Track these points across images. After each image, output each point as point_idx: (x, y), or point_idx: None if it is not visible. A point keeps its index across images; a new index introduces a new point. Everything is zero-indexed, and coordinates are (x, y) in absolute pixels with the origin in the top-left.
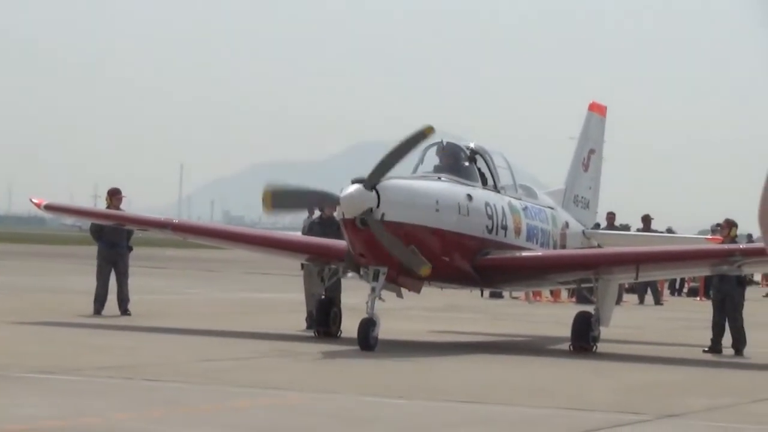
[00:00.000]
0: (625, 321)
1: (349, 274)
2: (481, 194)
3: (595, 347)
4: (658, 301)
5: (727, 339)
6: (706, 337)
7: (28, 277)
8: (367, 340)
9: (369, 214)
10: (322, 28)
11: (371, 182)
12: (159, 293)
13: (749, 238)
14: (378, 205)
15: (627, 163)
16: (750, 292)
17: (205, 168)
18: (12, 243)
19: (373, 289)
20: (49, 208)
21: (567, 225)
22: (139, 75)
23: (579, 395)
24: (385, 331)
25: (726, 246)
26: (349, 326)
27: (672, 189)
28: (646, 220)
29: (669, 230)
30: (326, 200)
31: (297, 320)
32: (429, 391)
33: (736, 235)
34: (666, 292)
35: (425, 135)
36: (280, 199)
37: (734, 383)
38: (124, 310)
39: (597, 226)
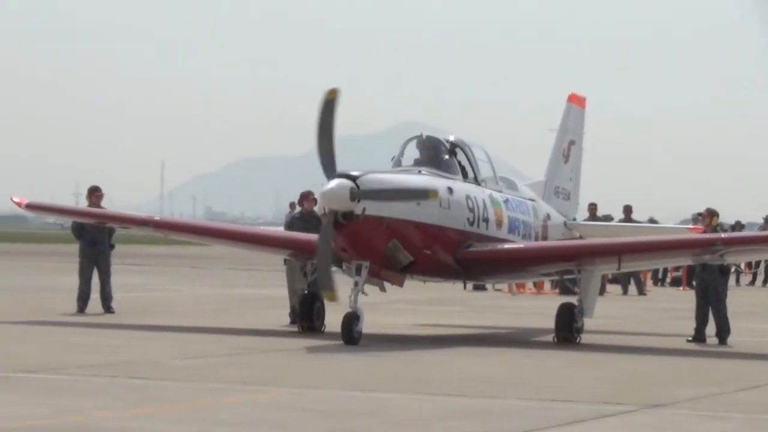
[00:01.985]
0: (609, 311)
1: (332, 269)
2: (461, 187)
3: (579, 338)
4: (641, 291)
5: (710, 328)
6: (690, 326)
7: (10, 276)
8: (351, 334)
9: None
10: (306, 19)
11: (329, 169)
12: (142, 291)
13: (738, 225)
14: (359, 200)
15: (607, 154)
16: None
17: (187, 164)
18: None
19: (356, 284)
20: (30, 206)
21: (548, 217)
22: (119, 71)
23: (563, 386)
24: (368, 325)
25: (707, 235)
26: (333, 321)
27: (652, 179)
28: (627, 210)
29: (651, 220)
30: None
31: (280, 316)
32: (413, 385)
33: (717, 225)
34: (649, 282)
35: (331, 99)
36: (326, 283)
37: (719, 372)
38: (107, 308)
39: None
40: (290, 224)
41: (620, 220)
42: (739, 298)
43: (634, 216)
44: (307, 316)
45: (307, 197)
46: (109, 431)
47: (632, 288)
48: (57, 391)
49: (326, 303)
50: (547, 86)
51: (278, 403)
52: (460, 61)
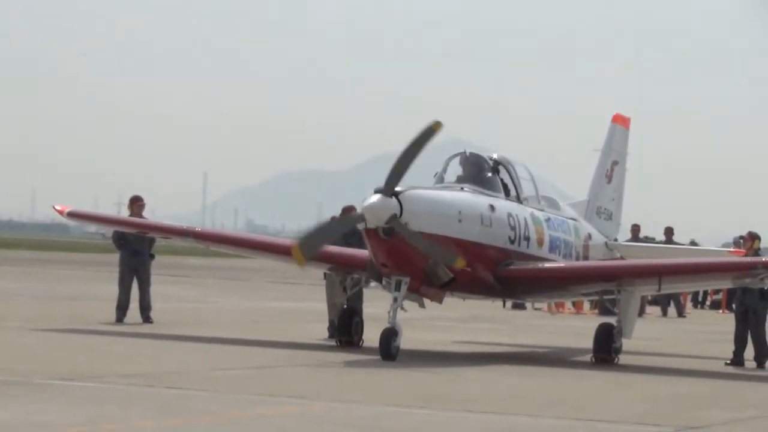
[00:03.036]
0: (648, 333)
1: (372, 284)
2: (503, 205)
3: (617, 359)
4: (680, 313)
5: (749, 352)
6: (729, 349)
7: (50, 285)
8: (389, 349)
9: (394, 219)
10: (348, 36)
11: (389, 187)
12: (181, 301)
13: None
14: (401, 215)
15: (650, 176)
16: None
17: (229, 177)
18: (35, 250)
19: (395, 299)
20: (72, 215)
21: (590, 236)
22: (164, 83)
23: (601, 407)
24: (406, 341)
25: (749, 259)
26: (371, 336)
27: (695, 202)
28: (669, 232)
29: (692, 243)
30: (351, 221)
31: (319, 329)
32: (451, 401)
33: (758, 248)
34: (689, 304)
35: (434, 131)
36: (308, 248)
37: (756, 396)
38: (146, 318)
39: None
40: None
41: (661, 242)
42: None
43: (675, 238)
44: (345, 330)
45: (348, 211)
46: None
47: (672, 310)
48: (95, 400)
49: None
50: (593, 105)
51: (315, 416)
52: (507, 77)
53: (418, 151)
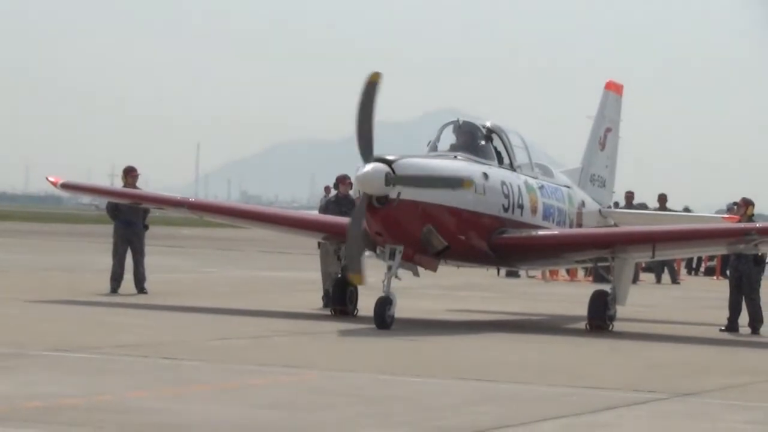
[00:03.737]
0: (642, 300)
1: (366, 253)
2: (497, 173)
3: (611, 326)
4: (674, 280)
5: (743, 318)
6: (723, 316)
7: (44, 256)
8: (384, 318)
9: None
10: (338, 7)
11: (368, 153)
12: (175, 272)
13: None
14: (394, 184)
15: (644, 143)
16: None
17: (223, 147)
18: (29, 222)
19: (389, 268)
20: (65, 186)
21: (583, 204)
22: (156, 54)
23: (595, 373)
24: (401, 309)
25: (742, 225)
26: (366, 305)
27: (689, 169)
28: (662, 199)
29: (686, 209)
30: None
31: (313, 299)
32: (445, 370)
33: (752, 214)
34: (683, 271)
35: (374, 82)
36: (355, 265)
37: (751, 362)
38: (140, 289)
39: (616, 204)
40: (325, 208)
41: (655, 209)
42: None
43: (669, 205)
44: (339, 299)
45: (343, 181)
46: (142, 411)
47: (666, 277)
48: (91, 371)
49: (358, 286)
50: (586, 72)
51: (311, 385)
52: (499, 48)
53: (371, 110)
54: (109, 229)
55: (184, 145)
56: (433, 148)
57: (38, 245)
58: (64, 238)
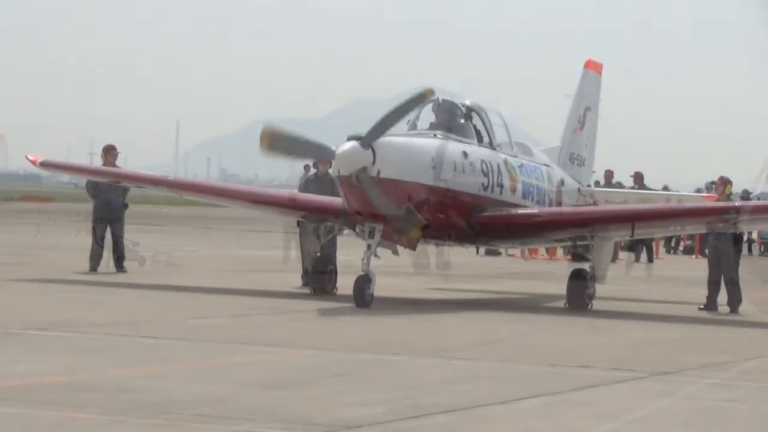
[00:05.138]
0: (621, 278)
1: (345, 231)
2: (476, 151)
3: (590, 304)
4: (651, 258)
5: (722, 297)
6: (702, 294)
7: (24, 235)
8: (363, 296)
9: (364, 172)
10: None
11: (368, 141)
12: (155, 250)
13: (745, 194)
14: (374, 162)
15: (622, 122)
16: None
17: (202, 125)
18: (7, 201)
19: (368, 246)
20: (45, 165)
21: (562, 182)
22: (136, 31)
23: (574, 352)
24: (380, 288)
25: (721, 203)
26: (345, 283)
27: (667, 147)
28: (639, 177)
29: (665, 188)
30: (322, 153)
31: (293, 278)
32: (424, 348)
33: (730, 193)
34: (661, 249)
35: (425, 97)
36: (276, 140)
37: (729, 341)
38: (119, 267)
39: (597, 184)
40: (304, 186)
41: (631, 188)
42: (751, 266)
43: (646, 183)
44: (319, 278)
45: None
46: (121, 389)
47: (643, 256)
48: (70, 349)
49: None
50: (565, 52)
51: (290, 364)
52: (479, 26)
53: (405, 113)
54: (87, 207)
55: (164, 123)
56: (413, 126)
57: (17, 224)
58: (43, 217)
